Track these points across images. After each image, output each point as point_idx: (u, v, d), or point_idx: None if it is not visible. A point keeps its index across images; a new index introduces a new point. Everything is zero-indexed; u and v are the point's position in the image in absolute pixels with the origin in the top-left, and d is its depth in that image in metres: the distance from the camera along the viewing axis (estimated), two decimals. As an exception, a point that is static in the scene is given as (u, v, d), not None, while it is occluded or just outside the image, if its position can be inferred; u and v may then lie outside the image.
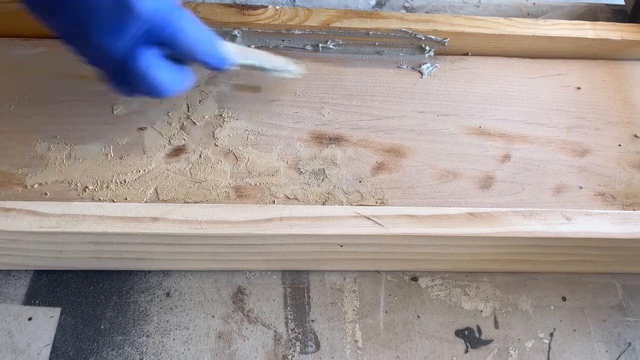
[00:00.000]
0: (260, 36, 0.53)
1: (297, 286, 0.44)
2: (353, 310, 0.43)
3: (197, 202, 0.45)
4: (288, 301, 0.43)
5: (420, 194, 0.47)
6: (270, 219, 0.40)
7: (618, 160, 0.51)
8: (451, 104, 0.53)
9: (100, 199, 0.44)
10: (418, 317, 0.43)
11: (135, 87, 0.39)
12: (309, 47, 0.55)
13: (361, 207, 0.42)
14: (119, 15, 0.36)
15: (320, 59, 0.55)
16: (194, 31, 0.39)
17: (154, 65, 0.38)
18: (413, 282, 0.45)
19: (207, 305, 0.43)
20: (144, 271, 0.44)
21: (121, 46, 0.36)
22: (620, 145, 0.52)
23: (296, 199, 0.46)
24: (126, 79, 0.39)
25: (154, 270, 0.44)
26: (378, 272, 0.45)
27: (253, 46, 0.51)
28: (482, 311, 0.44)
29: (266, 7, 0.53)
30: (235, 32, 0.52)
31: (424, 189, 0.48)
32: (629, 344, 0.43)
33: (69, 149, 0.47)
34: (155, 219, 0.39)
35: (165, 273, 0.44)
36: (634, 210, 0.48)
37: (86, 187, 0.45)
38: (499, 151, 0.51)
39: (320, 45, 0.54)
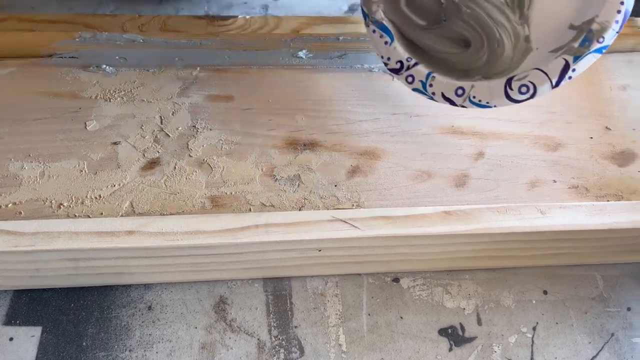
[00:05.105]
0: (232, 47, 0.53)
1: (279, 293, 0.44)
2: (336, 314, 0.43)
3: (173, 214, 0.44)
4: (270, 308, 0.43)
5: (396, 195, 0.47)
6: (246, 227, 0.40)
7: (590, 152, 0.52)
8: (424, 104, 0.53)
9: (75, 215, 0.44)
10: (401, 318, 0.43)
11: None
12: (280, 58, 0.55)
13: (337, 210, 0.42)
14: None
15: (292, 66, 0.55)
16: None
17: None
18: (394, 284, 0.45)
19: (189, 317, 0.42)
20: (124, 285, 0.43)
21: None
22: (592, 138, 0.53)
23: (272, 205, 0.46)
24: None
25: (135, 284, 0.43)
26: (359, 275, 0.45)
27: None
28: (464, 309, 0.44)
29: (236, 17, 0.53)
30: None
31: (400, 190, 0.48)
32: (612, 334, 0.44)
33: (42, 166, 0.46)
34: (130, 233, 0.39)
35: (146, 286, 0.43)
36: (608, 201, 0.49)
37: (61, 204, 0.45)
38: (473, 149, 0.51)
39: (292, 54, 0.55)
